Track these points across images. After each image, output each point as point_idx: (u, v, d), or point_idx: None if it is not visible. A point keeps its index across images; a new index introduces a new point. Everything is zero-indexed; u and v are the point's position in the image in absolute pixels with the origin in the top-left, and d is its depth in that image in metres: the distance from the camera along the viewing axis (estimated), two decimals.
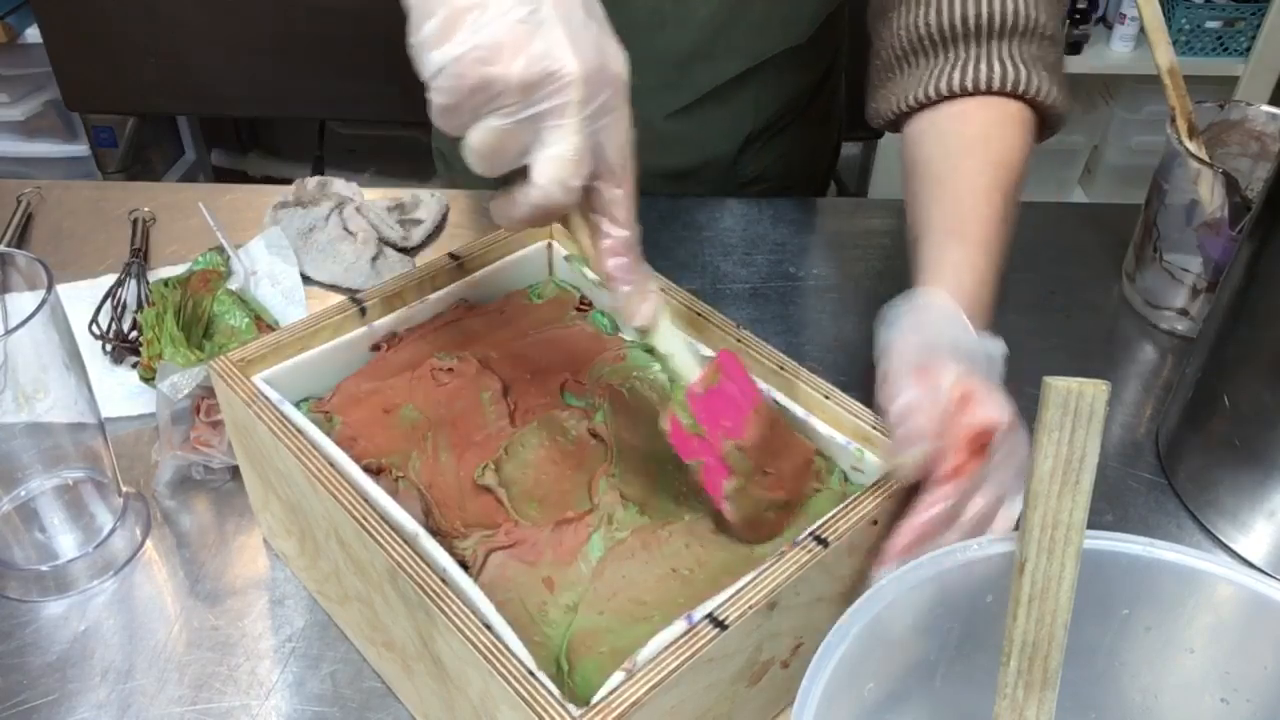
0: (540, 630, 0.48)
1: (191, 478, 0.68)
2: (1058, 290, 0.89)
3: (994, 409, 0.52)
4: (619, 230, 0.50)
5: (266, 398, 0.55)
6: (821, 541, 0.48)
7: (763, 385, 0.58)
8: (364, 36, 1.01)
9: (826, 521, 0.49)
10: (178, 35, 1.60)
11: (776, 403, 0.57)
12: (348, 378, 0.60)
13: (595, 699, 0.42)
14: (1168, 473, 0.72)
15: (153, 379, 0.70)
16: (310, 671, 0.58)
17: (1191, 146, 0.79)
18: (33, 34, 1.85)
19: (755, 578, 0.47)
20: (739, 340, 0.59)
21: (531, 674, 0.42)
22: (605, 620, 0.48)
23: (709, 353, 0.58)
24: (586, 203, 0.50)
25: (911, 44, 0.72)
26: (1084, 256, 0.93)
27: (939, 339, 0.56)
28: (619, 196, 0.49)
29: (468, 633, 0.44)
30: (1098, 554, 0.48)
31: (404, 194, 0.94)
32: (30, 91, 2.00)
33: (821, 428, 0.57)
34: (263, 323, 0.77)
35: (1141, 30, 1.75)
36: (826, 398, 0.57)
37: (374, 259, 0.86)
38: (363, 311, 0.61)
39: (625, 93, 0.48)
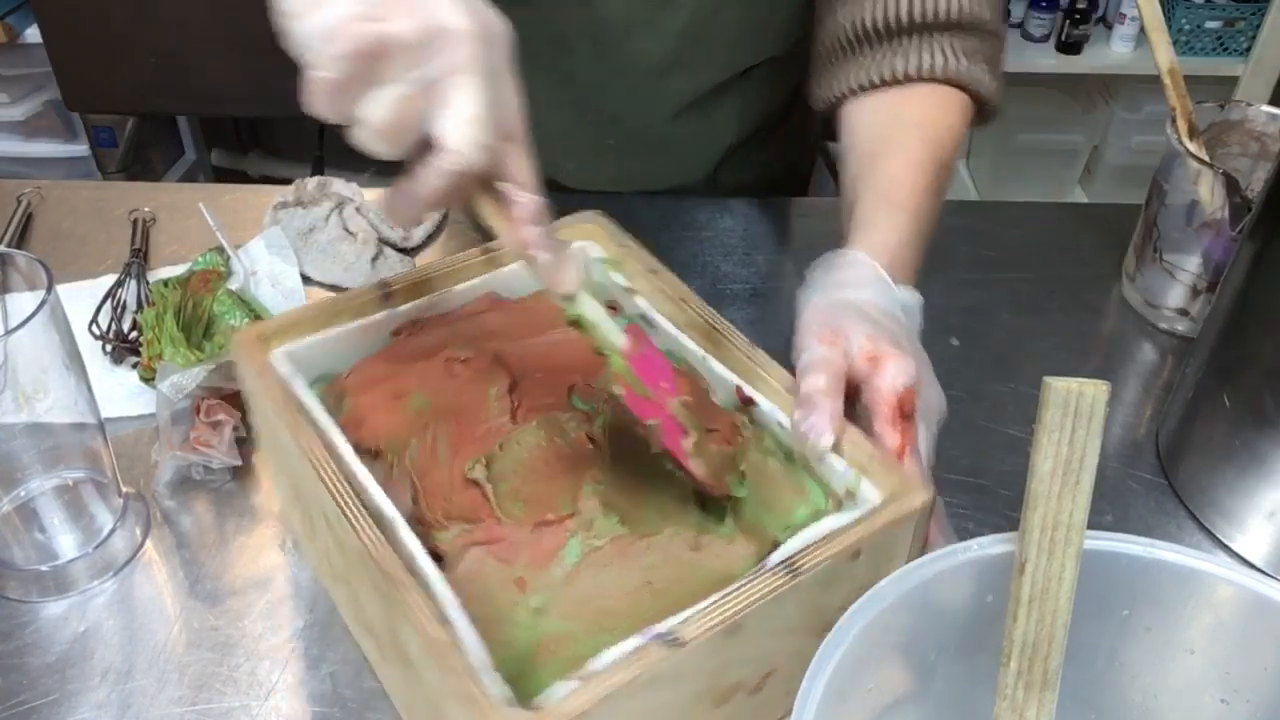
0: (506, 630, 0.47)
1: (191, 478, 0.68)
2: (1058, 290, 0.89)
3: (905, 367, 0.53)
4: (529, 195, 0.47)
5: (277, 372, 0.55)
6: (792, 571, 0.47)
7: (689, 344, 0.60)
8: None
9: (801, 552, 0.48)
10: (178, 35, 1.59)
11: (686, 362, 0.58)
12: (365, 359, 0.60)
13: (539, 704, 0.41)
14: (1168, 473, 0.72)
15: (153, 379, 0.70)
16: (310, 672, 0.58)
17: (1191, 146, 0.79)
18: (33, 34, 1.85)
19: (720, 599, 0.45)
20: (749, 357, 0.57)
21: (477, 672, 0.42)
22: (572, 626, 0.48)
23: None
24: (486, 175, 0.47)
25: (855, 35, 0.74)
26: (1084, 256, 0.93)
27: (851, 299, 0.57)
28: (521, 156, 0.47)
29: (425, 624, 0.43)
30: (1098, 554, 0.48)
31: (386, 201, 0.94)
32: (30, 91, 2.00)
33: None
34: None
35: (1141, 30, 1.75)
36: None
37: (374, 259, 0.86)
38: (387, 296, 0.61)
39: (511, 56, 0.46)
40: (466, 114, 0.43)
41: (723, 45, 0.87)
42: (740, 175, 1.01)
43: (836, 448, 0.52)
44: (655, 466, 0.53)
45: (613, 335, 0.52)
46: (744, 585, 0.46)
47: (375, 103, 0.43)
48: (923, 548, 0.52)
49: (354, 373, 0.59)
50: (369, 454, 0.53)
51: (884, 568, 0.48)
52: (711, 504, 0.54)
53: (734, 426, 0.55)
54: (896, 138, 0.70)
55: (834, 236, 0.71)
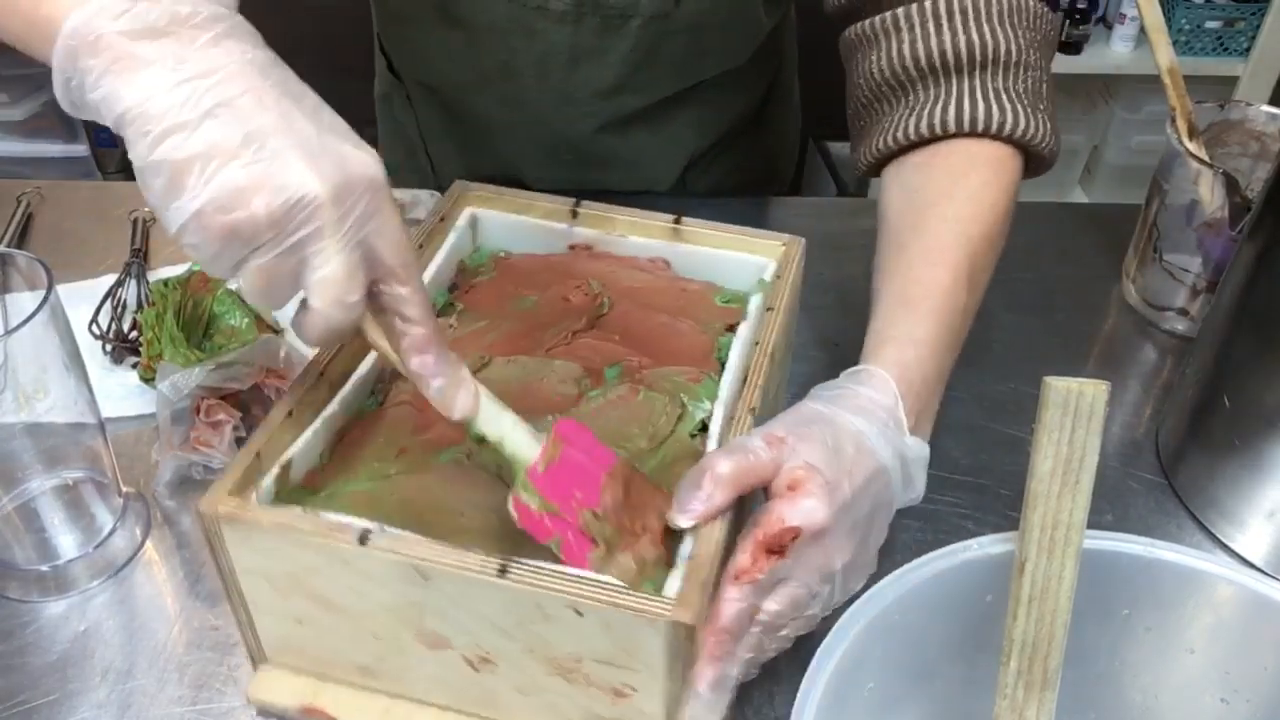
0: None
1: (191, 478, 0.68)
2: (1058, 290, 0.89)
3: (809, 510, 0.49)
4: (415, 328, 0.48)
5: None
6: (502, 571, 0.47)
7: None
8: (364, 36, 1.02)
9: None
10: None
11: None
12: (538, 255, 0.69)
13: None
14: (1168, 473, 0.72)
15: (153, 379, 0.70)
16: None
17: (1191, 146, 0.79)
18: None
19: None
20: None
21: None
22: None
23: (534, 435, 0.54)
24: (376, 306, 0.48)
25: (881, 85, 0.67)
26: (1084, 256, 0.93)
27: (841, 423, 0.52)
28: (405, 294, 0.47)
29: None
30: (1098, 554, 0.48)
31: (403, 194, 0.94)
32: (30, 91, 2.00)
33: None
34: (263, 323, 0.77)
35: (1141, 30, 1.75)
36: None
37: None
38: (574, 214, 0.68)
39: (385, 192, 0.46)
40: (325, 277, 0.44)
41: (669, 68, 0.86)
42: (710, 180, 1.00)
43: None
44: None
45: (521, 449, 0.50)
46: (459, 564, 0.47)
47: (246, 273, 0.44)
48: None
49: (498, 266, 0.68)
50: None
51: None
52: None
53: (666, 527, 0.51)
54: (921, 219, 0.62)
55: (834, 236, 0.71)
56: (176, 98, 0.42)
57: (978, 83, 0.63)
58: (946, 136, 0.63)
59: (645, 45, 0.83)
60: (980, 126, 0.62)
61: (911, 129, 0.64)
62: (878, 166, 0.68)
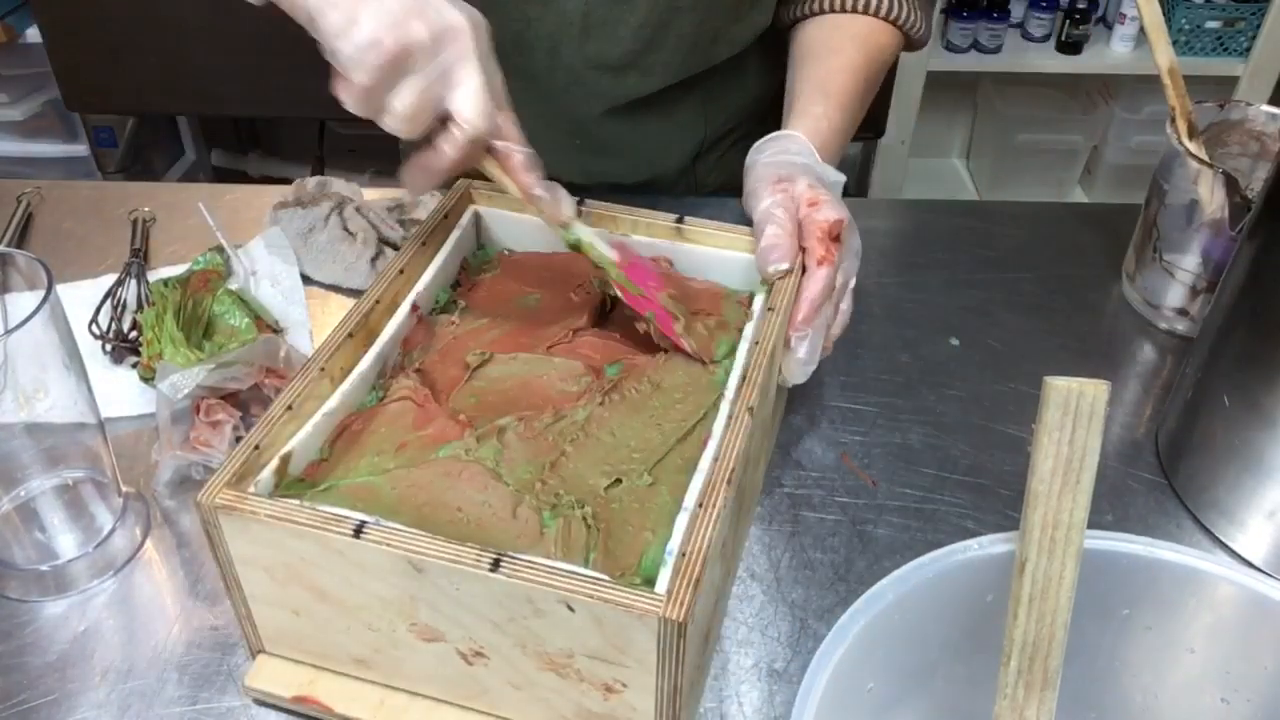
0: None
1: (191, 478, 0.68)
2: (1058, 290, 0.89)
3: (838, 208, 0.67)
4: (523, 148, 0.60)
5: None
6: (494, 565, 0.48)
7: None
8: None
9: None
10: (178, 35, 1.59)
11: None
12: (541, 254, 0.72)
13: None
14: (1168, 473, 0.72)
15: (153, 379, 0.70)
16: None
17: (1191, 146, 0.79)
18: (33, 34, 1.85)
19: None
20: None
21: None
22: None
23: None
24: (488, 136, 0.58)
25: None
26: (1084, 256, 0.93)
27: (794, 160, 0.72)
28: (511, 120, 0.59)
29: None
30: (1098, 554, 0.48)
31: (404, 194, 0.94)
32: (30, 91, 2.00)
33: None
34: (263, 323, 0.77)
35: (1141, 30, 1.75)
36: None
37: (374, 259, 0.86)
38: (578, 212, 0.68)
39: (489, 39, 0.57)
40: (473, 87, 0.55)
41: (678, 49, 0.88)
42: (721, 173, 1.01)
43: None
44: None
45: (606, 250, 0.63)
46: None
47: (402, 94, 0.54)
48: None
49: (502, 262, 0.71)
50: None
51: None
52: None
53: (715, 297, 0.67)
54: (837, 45, 0.84)
55: None
56: None
57: None
58: (861, 12, 0.86)
59: (655, 20, 0.85)
60: (881, 13, 0.86)
61: (837, 3, 0.86)
62: (799, 21, 0.88)
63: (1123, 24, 2.15)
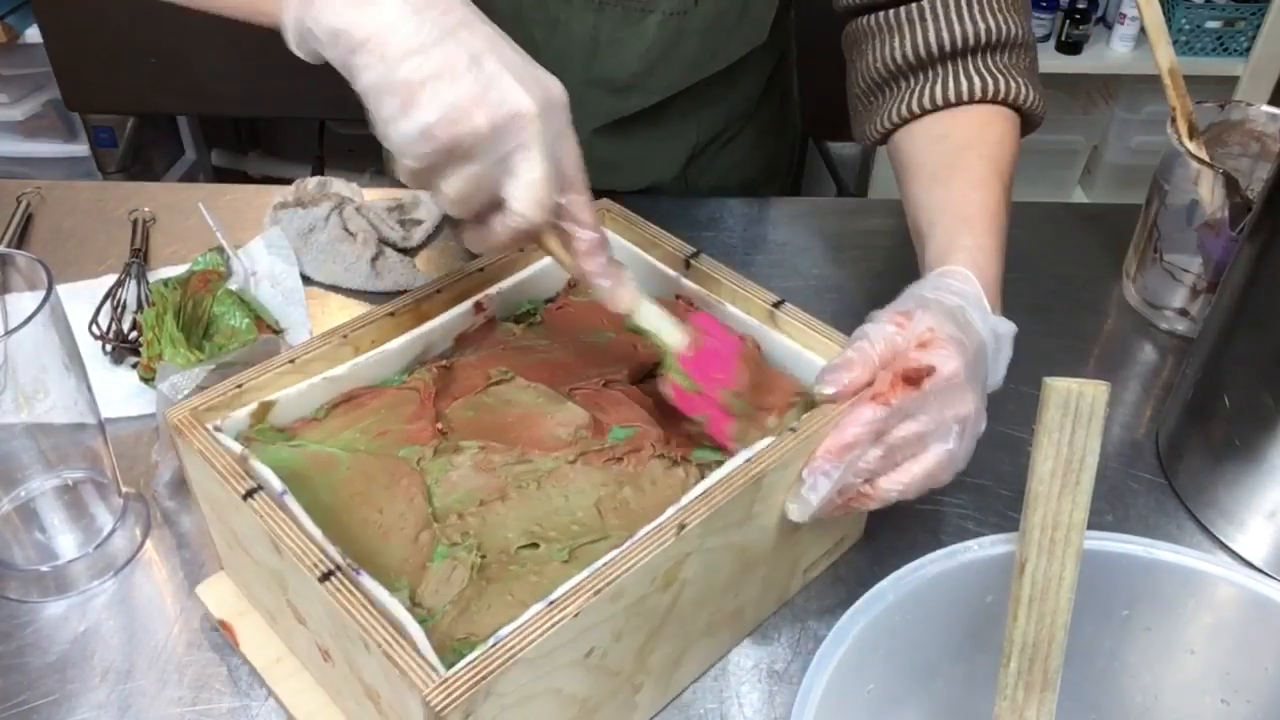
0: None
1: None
2: (1058, 290, 0.89)
3: (944, 357, 0.54)
4: (589, 233, 0.54)
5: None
6: (324, 576, 0.47)
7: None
8: None
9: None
10: (178, 35, 1.59)
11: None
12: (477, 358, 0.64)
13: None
14: (1168, 473, 0.72)
15: (153, 379, 0.70)
16: None
17: (1191, 146, 0.79)
18: (33, 34, 1.85)
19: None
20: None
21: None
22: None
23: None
24: (552, 217, 0.54)
25: (889, 71, 0.75)
26: (1084, 256, 0.93)
27: (946, 302, 0.59)
28: (581, 203, 0.54)
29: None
30: (1098, 554, 0.48)
31: (404, 194, 0.94)
32: (30, 91, 2.00)
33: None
34: (263, 323, 0.77)
35: (1141, 30, 1.75)
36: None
37: (374, 259, 0.86)
38: (688, 264, 0.66)
39: (568, 113, 0.53)
40: (530, 180, 0.50)
41: (681, 66, 0.88)
42: (712, 176, 1.01)
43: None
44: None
45: (670, 338, 0.57)
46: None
47: (453, 180, 0.50)
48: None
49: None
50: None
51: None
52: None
53: (788, 395, 0.59)
54: (959, 157, 0.71)
55: (834, 236, 0.71)
56: (412, 26, 0.48)
57: (990, 61, 0.73)
58: (961, 103, 0.73)
59: (663, 42, 0.84)
60: (992, 94, 0.72)
61: (939, 96, 0.73)
62: (891, 132, 0.76)
63: (1123, 24, 2.15)
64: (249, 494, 0.50)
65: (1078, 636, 0.45)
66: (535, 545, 0.52)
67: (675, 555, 0.49)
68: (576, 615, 0.45)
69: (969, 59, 0.73)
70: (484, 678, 0.43)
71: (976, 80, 0.72)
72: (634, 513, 0.54)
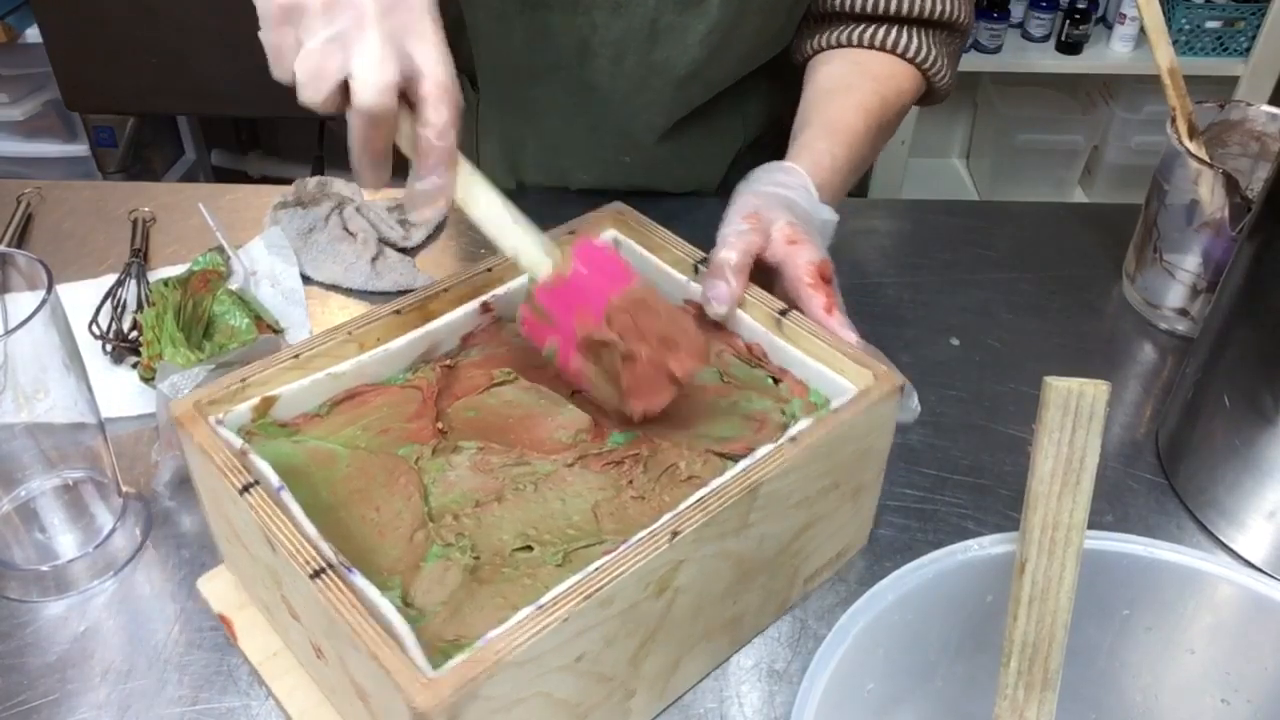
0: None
1: (191, 478, 0.68)
2: (1058, 290, 0.89)
3: (819, 249, 0.64)
4: (430, 130, 0.54)
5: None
6: (315, 574, 0.46)
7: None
8: None
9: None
10: (178, 35, 1.59)
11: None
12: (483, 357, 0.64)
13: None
14: (1168, 473, 0.72)
15: (153, 379, 0.70)
16: None
17: (1191, 146, 0.79)
18: (33, 34, 1.85)
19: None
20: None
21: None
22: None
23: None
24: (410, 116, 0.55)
25: (841, 11, 0.84)
26: (1084, 256, 0.93)
27: (780, 194, 0.68)
28: (431, 92, 0.54)
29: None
30: (1098, 554, 0.48)
31: (405, 194, 0.94)
32: (30, 91, 2.00)
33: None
34: (263, 323, 0.77)
35: (1141, 30, 1.75)
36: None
37: (374, 259, 0.86)
38: (696, 269, 0.66)
39: (428, 18, 0.54)
40: (365, 61, 0.52)
41: (742, 52, 0.87)
42: None
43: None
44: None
45: (527, 260, 0.57)
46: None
47: (300, 59, 0.53)
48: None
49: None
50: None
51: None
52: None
53: (696, 353, 0.57)
54: (854, 82, 0.81)
55: (834, 236, 0.71)
56: None
57: (927, 33, 0.83)
58: (887, 50, 0.83)
59: (724, 27, 0.84)
60: (916, 57, 0.83)
61: (872, 39, 0.83)
62: (819, 51, 0.86)
63: (1123, 24, 2.15)
64: (246, 488, 0.50)
65: (1078, 636, 0.45)
66: (529, 548, 0.52)
67: (668, 562, 0.49)
68: (566, 620, 0.45)
69: (909, 24, 0.82)
70: (470, 681, 0.42)
71: (911, 42, 0.82)
72: (631, 518, 0.54)
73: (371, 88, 0.52)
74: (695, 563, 0.51)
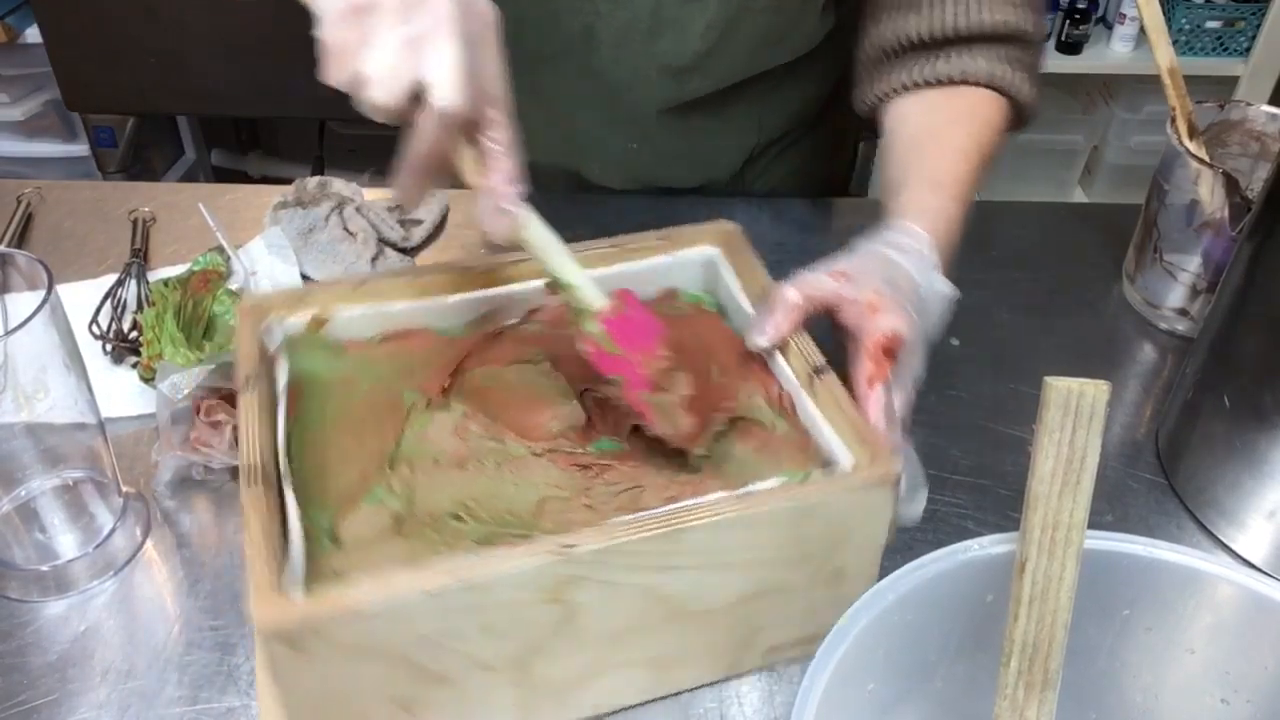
0: None
1: (191, 478, 0.68)
2: (1058, 290, 0.89)
3: (899, 320, 0.58)
4: (501, 149, 0.54)
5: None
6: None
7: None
8: None
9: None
10: (178, 35, 1.59)
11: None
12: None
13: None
14: (1168, 473, 0.72)
15: (153, 379, 0.70)
16: None
17: (1191, 146, 0.79)
18: (33, 34, 1.85)
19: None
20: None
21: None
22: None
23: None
24: (470, 135, 0.54)
25: (900, 45, 0.78)
26: (1084, 256, 0.93)
27: (889, 258, 0.63)
28: (500, 120, 0.54)
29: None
30: (1098, 554, 0.48)
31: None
32: (30, 91, 2.00)
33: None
34: None
35: (1141, 30, 1.75)
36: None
37: (374, 259, 0.86)
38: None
39: (495, 32, 0.54)
40: (446, 62, 0.50)
41: (743, 51, 0.87)
42: (770, 178, 1.00)
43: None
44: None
45: (587, 294, 0.56)
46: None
47: (369, 58, 0.50)
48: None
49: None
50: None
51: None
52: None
53: (729, 397, 0.59)
54: (945, 128, 0.74)
55: (834, 236, 0.71)
56: None
57: (997, 51, 0.76)
58: (964, 84, 0.76)
59: (724, 21, 0.84)
60: (991, 81, 0.76)
61: (941, 72, 0.76)
62: (880, 103, 0.80)
63: (1123, 24, 2.15)
64: (247, 380, 0.54)
65: (1078, 636, 0.45)
66: (460, 519, 0.53)
67: (561, 574, 0.48)
68: (432, 595, 0.46)
69: (977, 45, 0.76)
70: (317, 617, 0.44)
71: (982, 65, 0.75)
72: (570, 523, 0.53)
73: (454, 90, 0.50)
74: (600, 585, 0.49)
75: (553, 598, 0.49)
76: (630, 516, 0.50)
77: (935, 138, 0.74)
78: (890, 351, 0.57)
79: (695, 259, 0.67)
